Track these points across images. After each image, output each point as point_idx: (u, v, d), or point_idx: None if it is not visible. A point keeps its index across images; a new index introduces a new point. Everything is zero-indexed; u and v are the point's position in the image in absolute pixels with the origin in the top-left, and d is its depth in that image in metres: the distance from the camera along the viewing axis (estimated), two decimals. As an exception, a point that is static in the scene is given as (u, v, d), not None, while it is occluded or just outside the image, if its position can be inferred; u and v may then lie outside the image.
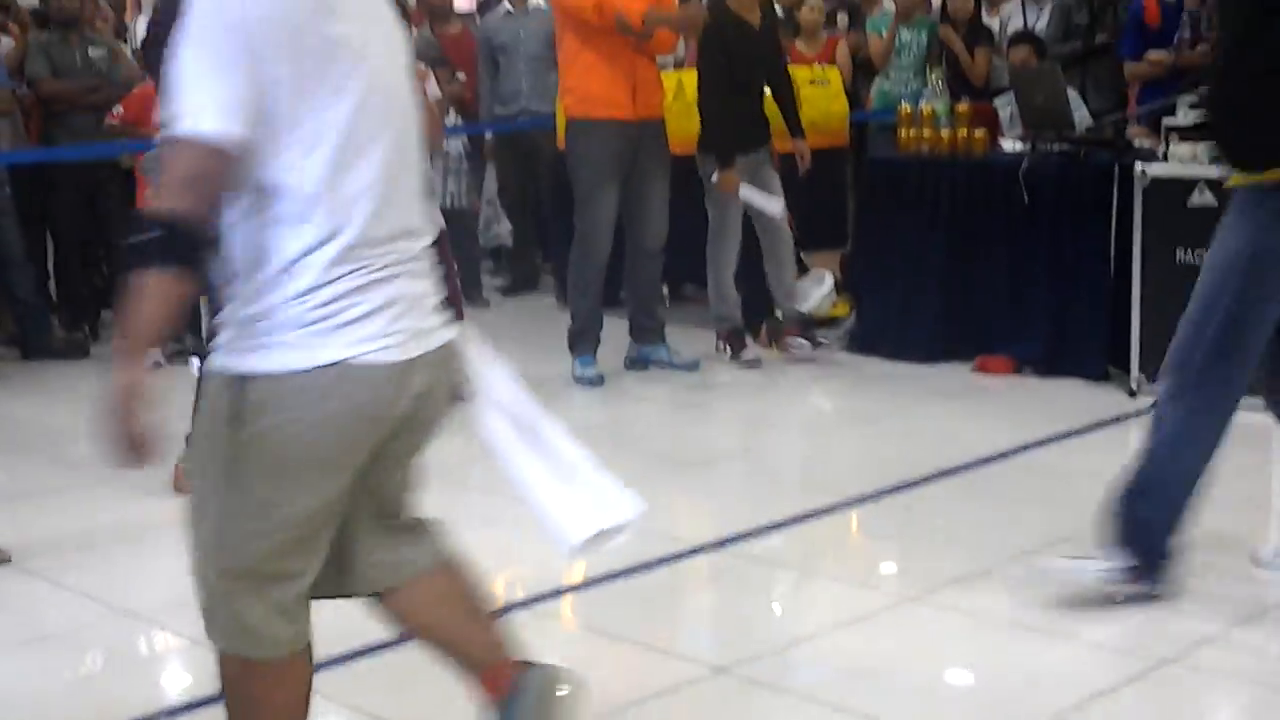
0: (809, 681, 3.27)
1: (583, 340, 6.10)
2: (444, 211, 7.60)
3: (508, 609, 3.47)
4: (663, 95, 6.18)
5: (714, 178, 6.07)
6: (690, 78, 6.72)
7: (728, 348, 6.36)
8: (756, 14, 6.19)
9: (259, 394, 2.22)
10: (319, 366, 2.20)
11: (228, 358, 2.27)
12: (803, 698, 3.17)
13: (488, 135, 8.27)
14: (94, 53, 7.24)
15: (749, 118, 6.19)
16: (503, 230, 8.26)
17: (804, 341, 6.40)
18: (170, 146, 2.15)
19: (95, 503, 4.77)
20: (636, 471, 4.71)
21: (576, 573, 3.86)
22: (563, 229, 7.78)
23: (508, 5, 8.12)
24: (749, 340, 6.38)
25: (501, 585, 3.74)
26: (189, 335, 6.88)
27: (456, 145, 7.87)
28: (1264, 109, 3.36)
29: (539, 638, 2.83)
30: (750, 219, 6.22)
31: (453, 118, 7.89)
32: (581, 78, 5.96)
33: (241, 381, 2.23)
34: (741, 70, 6.11)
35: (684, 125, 6.34)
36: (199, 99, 2.12)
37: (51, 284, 7.71)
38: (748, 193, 6.06)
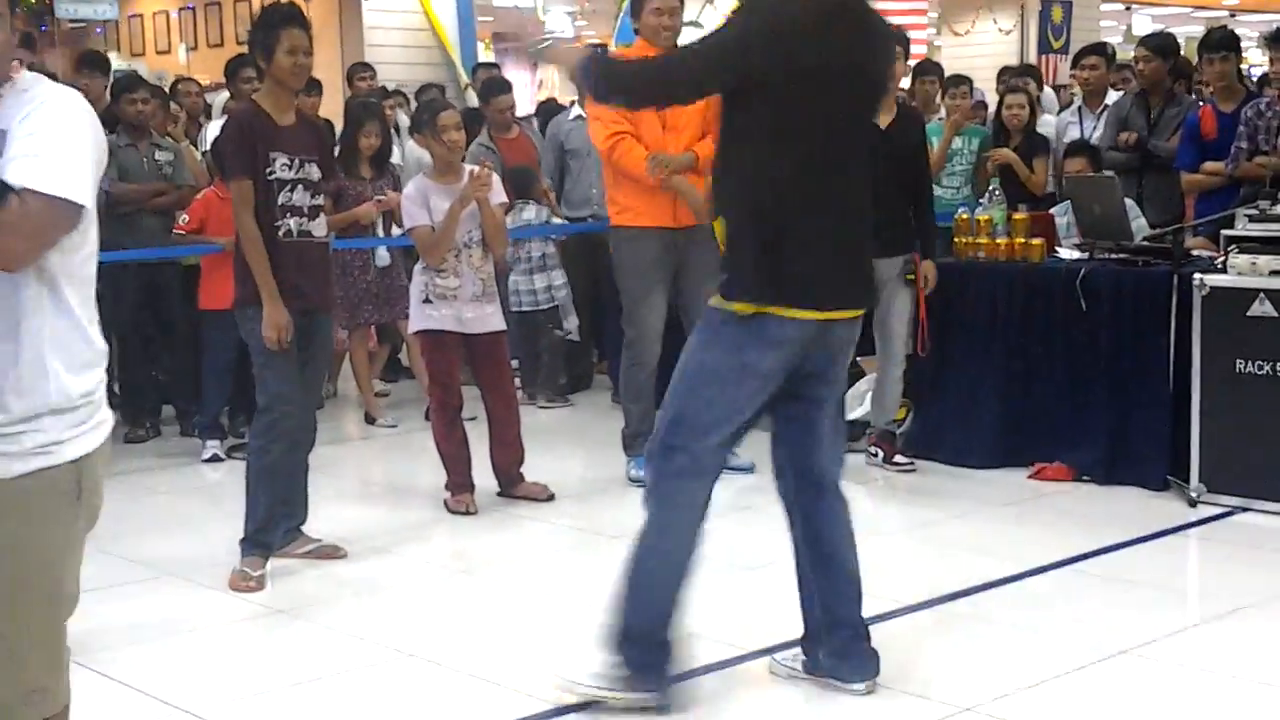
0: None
1: (638, 442, 6.11)
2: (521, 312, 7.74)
3: None
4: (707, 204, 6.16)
5: None
6: None
7: (879, 452, 6.34)
8: (889, 116, 6.08)
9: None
10: None
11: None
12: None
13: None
14: (160, 156, 7.40)
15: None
16: (571, 326, 8.35)
17: (879, 451, 6.36)
18: (34, 197, 2.27)
19: (156, 596, 4.83)
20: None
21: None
22: (618, 330, 7.91)
23: (579, 110, 8.26)
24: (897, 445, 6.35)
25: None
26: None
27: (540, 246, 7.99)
28: None
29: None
30: (874, 328, 6.19)
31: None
32: (623, 189, 6.01)
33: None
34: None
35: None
36: (73, 169, 2.31)
37: (115, 383, 7.84)
38: None
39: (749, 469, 6.20)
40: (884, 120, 6.09)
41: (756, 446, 6.38)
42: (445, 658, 4.18)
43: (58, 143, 2.32)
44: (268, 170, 4.84)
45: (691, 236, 5.98)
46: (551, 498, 5.94)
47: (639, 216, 5.97)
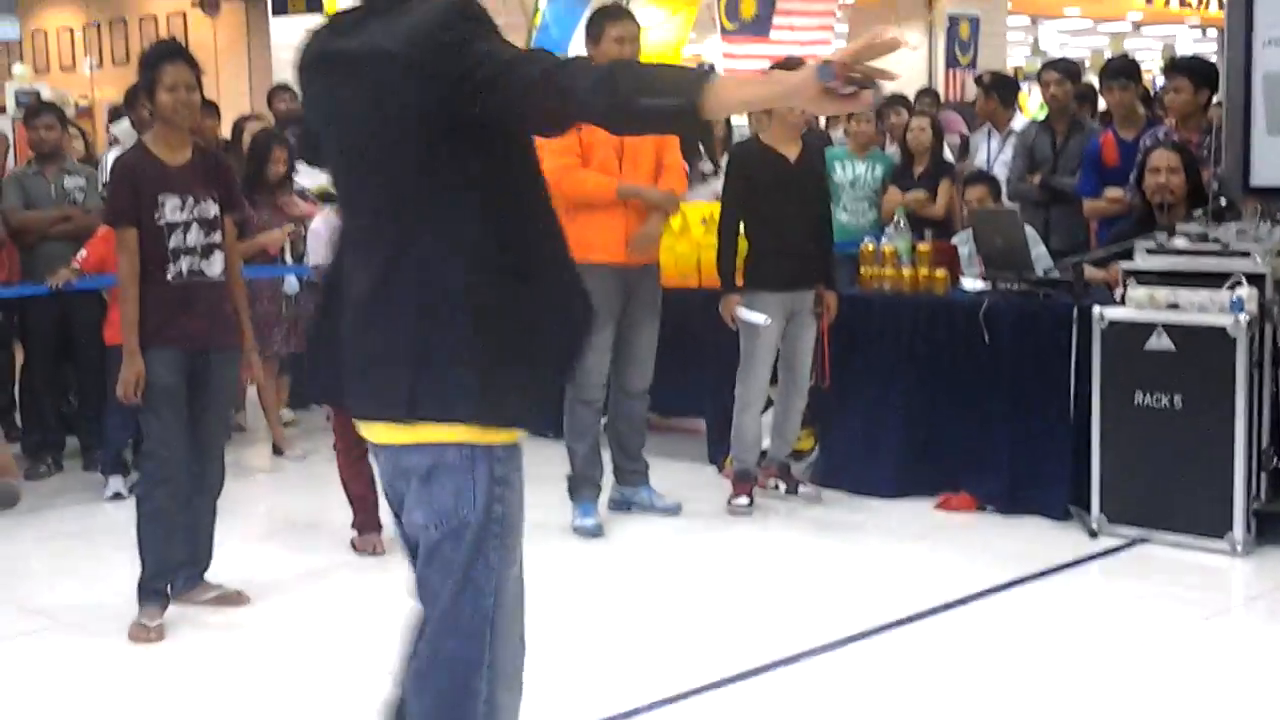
0: None
1: (584, 487, 6.04)
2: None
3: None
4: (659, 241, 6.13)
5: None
6: (692, 210, 6.87)
7: (780, 484, 6.34)
8: (795, 149, 6.13)
9: None
10: None
11: None
12: None
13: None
14: (70, 183, 7.29)
15: (775, 253, 6.06)
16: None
17: (781, 484, 6.39)
18: None
19: (51, 648, 4.74)
20: (597, 623, 4.77)
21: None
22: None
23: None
24: (753, 488, 6.27)
25: None
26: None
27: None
28: None
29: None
30: (779, 359, 6.20)
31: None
32: (575, 222, 5.93)
33: None
34: (768, 204, 6.04)
35: (668, 259, 6.43)
36: None
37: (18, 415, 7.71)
38: (742, 313, 6.02)
39: (676, 510, 6.19)
40: (791, 153, 6.13)
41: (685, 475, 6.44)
42: (349, 713, 4.13)
43: None
44: (155, 214, 4.78)
45: (640, 274, 5.98)
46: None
47: (590, 251, 5.81)
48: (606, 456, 6.23)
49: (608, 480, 6.22)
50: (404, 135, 2.53)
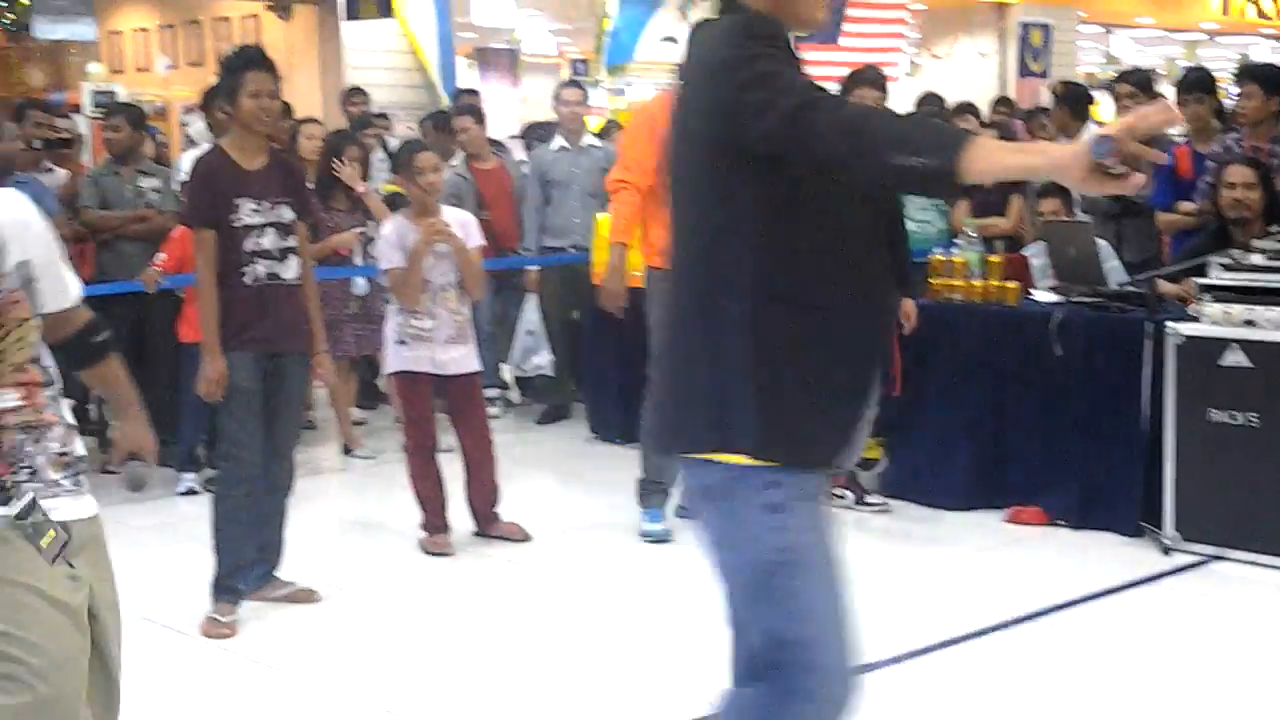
0: None
1: (654, 492, 6.02)
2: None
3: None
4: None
5: None
6: None
7: (848, 493, 6.31)
8: None
9: None
10: None
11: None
12: None
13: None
14: (145, 183, 7.38)
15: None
16: (544, 360, 8.34)
17: (848, 493, 6.38)
18: None
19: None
20: (666, 622, 4.78)
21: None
22: (598, 362, 7.93)
23: (562, 141, 8.31)
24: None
25: None
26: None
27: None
28: None
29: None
30: None
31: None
32: (659, 231, 5.94)
33: None
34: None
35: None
36: None
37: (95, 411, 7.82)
38: None
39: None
40: None
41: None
42: (417, 710, 4.17)
43: None
44: (233, 218, 4.84)
45: None
46: (528, 538, 5.94)
47: (659, 257, 5.88)
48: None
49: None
50: (697, 162, 2.52)
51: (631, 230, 5.87)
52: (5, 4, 15.30)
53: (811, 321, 2.48)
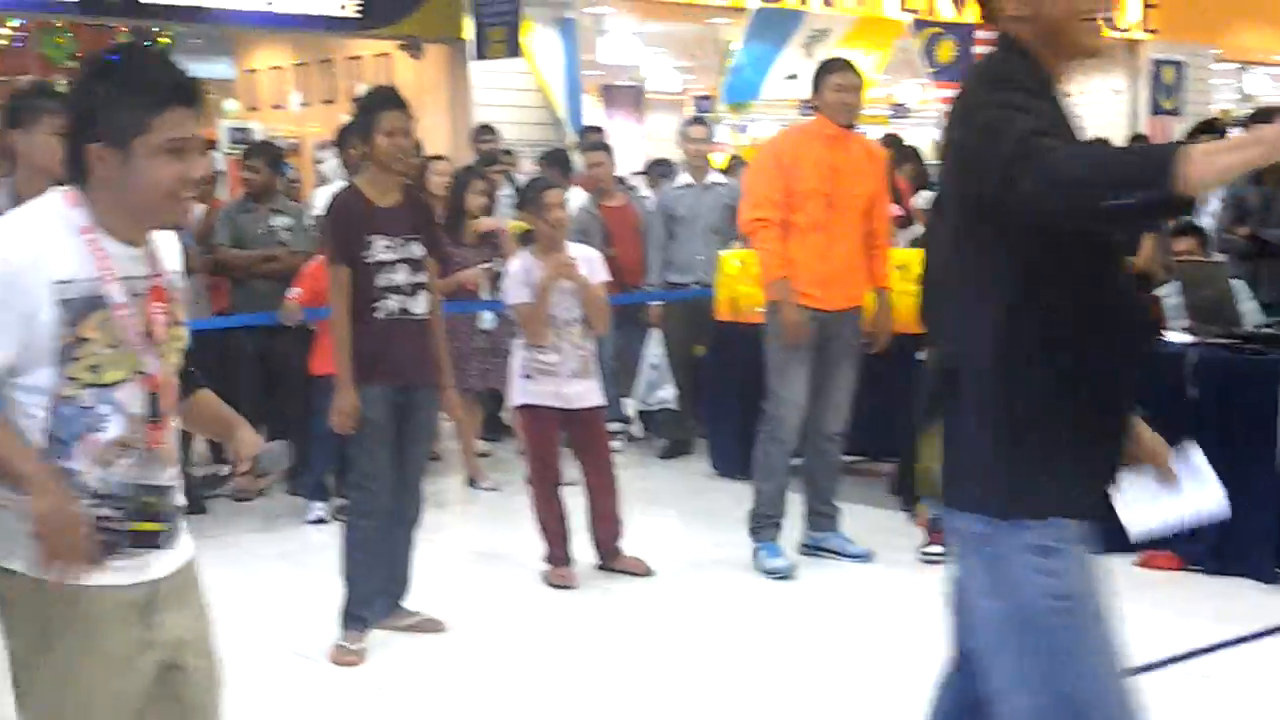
0: None
1: (766, 525, 6.02)
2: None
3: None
4: (862, 287, 6.07)
5: (921, 355, 5.99)
6: (917, 256, 6.86)
7: (927, 536, 6.22)
8: None
9: None
10: None
11: None
12: None
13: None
14: (277, 221, 7.52)
15: None
16: (667, 394, 8.37)
17: None
18: None
19: (256, 669, 4.89)
20: (790, 660, 4.77)
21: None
22: (720, 398, 7.93)
23: (687, 178, 8.36)
24: (945, 537, 6.18)
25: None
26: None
27: None
28: None
29: None
30: None
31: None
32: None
33: None
34: None
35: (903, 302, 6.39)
36: None
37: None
38: None
39: (867, 557, 6.13)
40: None
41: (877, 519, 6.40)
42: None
43: None
44: (366, 254, 4.93)
45: (841, 319, 5.96)
46: (650, 573, 5.95)
47: (795, 295, 5.89)
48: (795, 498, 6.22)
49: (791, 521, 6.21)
50: (957, 221, 2.52)
51: (785, 263, 5.86)
52: (147, 43, 15.77)
53: (1067, 376, 2.46)
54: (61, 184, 2.41)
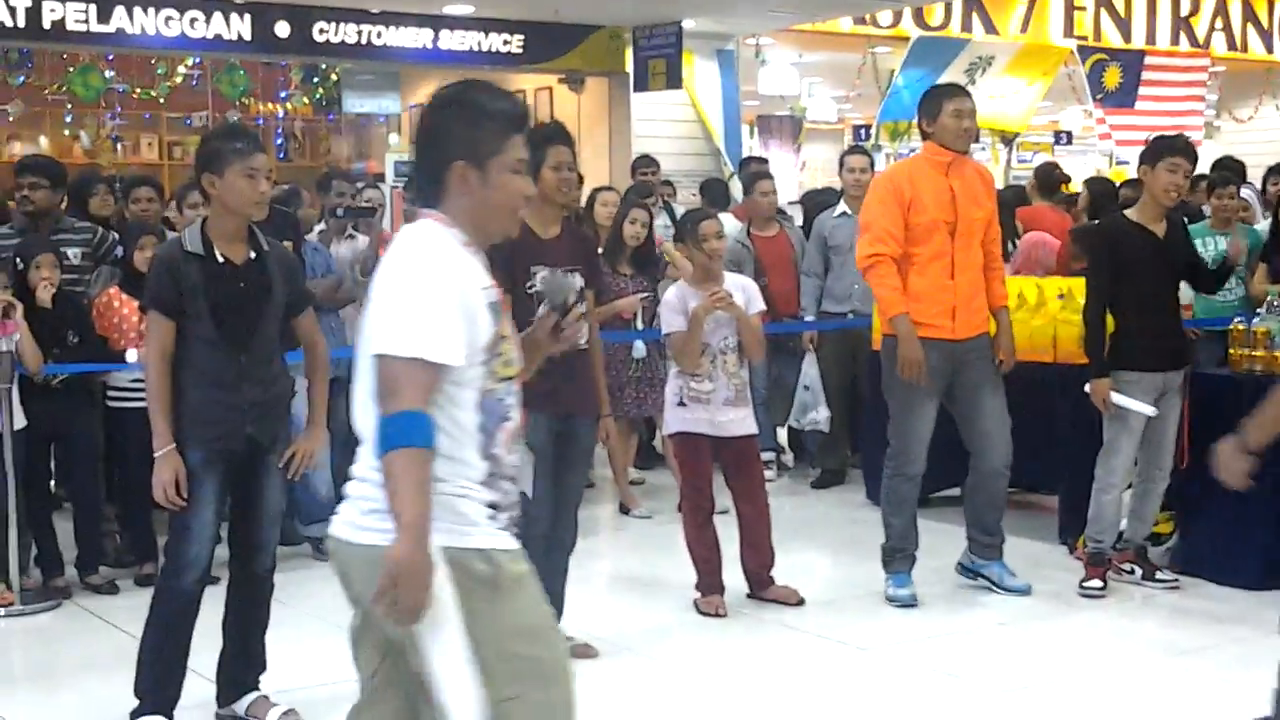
0: None
1: (898, 558, 6.00)
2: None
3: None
4: (987, 312, 6.02)
5: (1086, 387, 5.94)
6: (1048, 284, 6.87)
7: (1086, 572, 6.11)
8: (1163, 225, 5.98)
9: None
10: None
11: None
12: None
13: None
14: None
15: (1149, 332, 5.89)
16: (820, 417, 8.35)
17: (1136, 569, 6.17)
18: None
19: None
20: (931, 693, 4.71)
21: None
22: (876, 427, 7.87)
23: (844, 208, 8.34)
24: (1107, 572, 6.08)
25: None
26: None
27: None
28: None
29: None
30: (1141, 439, 5.97)
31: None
32: (907, 298, 5.91)
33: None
34: (1139, 282, 5.89)
35: (1022, 332, 6.36)
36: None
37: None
38: (1121, 400, 5.84)
39: (1026, 591, 6.05)
40: (1159, 229, 5.95)
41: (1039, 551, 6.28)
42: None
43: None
44: (529, 284, 5.01)
45: (970, 348, 5.91)
46: (801, 602, 5.94)
47: (917, 327, 5.86)
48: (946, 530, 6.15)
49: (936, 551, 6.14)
50: None
51: (904, 298, 5.83)
52: (316, 79, 16.23)
53: None
54: (253, 221, 2.62)
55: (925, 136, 5.99)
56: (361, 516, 2.69)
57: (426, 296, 2.64)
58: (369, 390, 2.69)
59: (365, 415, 2.71)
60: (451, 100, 2.79)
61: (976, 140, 6.88)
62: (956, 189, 5.86)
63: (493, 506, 2.74)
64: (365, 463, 2.72)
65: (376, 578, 2.56)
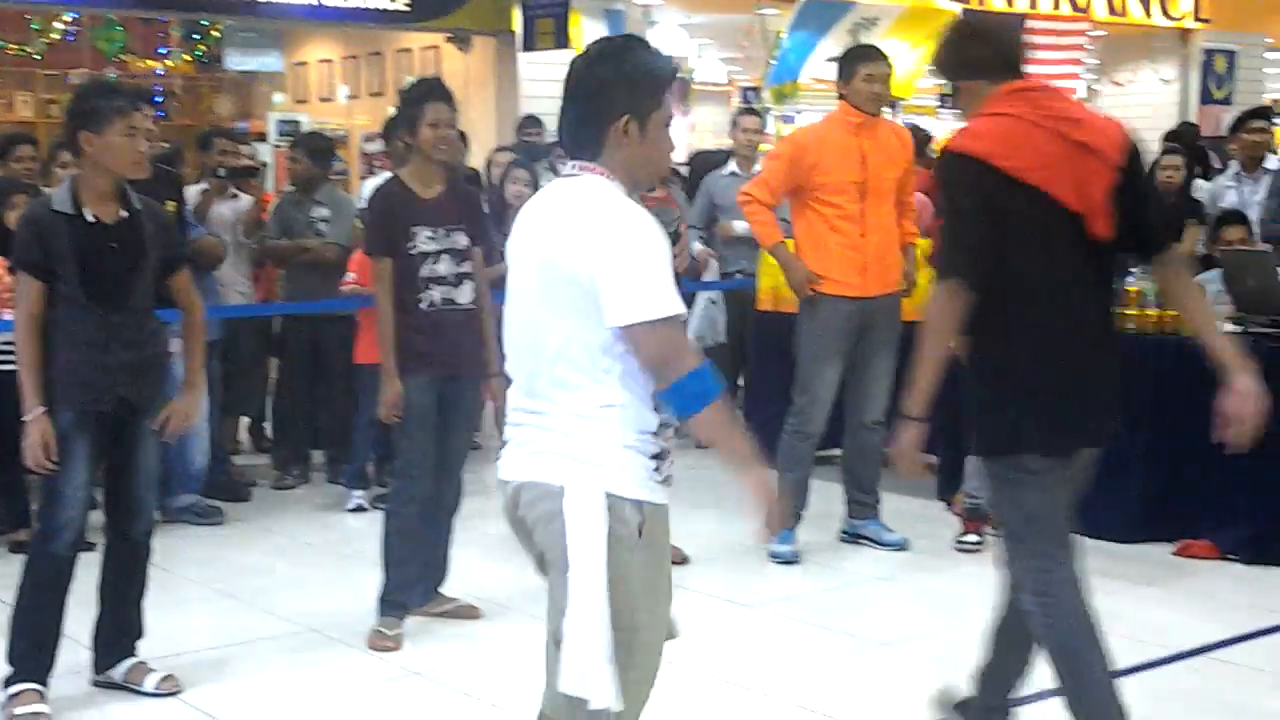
0: None
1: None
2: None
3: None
4: (898, 271, 6.10)
5: None
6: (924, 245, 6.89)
7: (963, 527, 6.24)
8: None
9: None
10: None
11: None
12: None
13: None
14: (316, 213, 7.56)
15: None
16: (721, 332, 8.40)
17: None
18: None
19: (293, 654, 4.96)
20: (814, 648, 4.78)
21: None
22: (762, 386, 7.94)
23: (734, 168, 8.37)
24: (983, 527, 6.17)
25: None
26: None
27: None
28: None
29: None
30: None
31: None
32: (810, 255, 6.00)
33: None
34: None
35: (918, 290, 6.34)
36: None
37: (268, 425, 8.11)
38: None
39: (903, 545, 6.15)
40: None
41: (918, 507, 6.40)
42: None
43: None
44: (409, 245, 4.97)
45: (877, 306, 5.97)
46: (685, 560, 5.98)
47: (826, 285, 5.94)
48: (831, 489, 6.23)
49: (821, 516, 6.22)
50: None
51: (777, 232, 6.03)
52: (197, 36, 15.93)
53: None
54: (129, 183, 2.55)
55: (840, 97, 6.06)
56: (530, 458, 2.94)
57: (652, 254, 2.73)
58: (539, 343, 2.84)
59: (522, 361, 2.94)
60: (615, 56, 2.88)
61: (891, 106, 6.94)
62: (868, 149, 5.92)
63: (657, 457, 2.83)
64: (520, 404, 2.97)
65: (547, 510, 2.87)
